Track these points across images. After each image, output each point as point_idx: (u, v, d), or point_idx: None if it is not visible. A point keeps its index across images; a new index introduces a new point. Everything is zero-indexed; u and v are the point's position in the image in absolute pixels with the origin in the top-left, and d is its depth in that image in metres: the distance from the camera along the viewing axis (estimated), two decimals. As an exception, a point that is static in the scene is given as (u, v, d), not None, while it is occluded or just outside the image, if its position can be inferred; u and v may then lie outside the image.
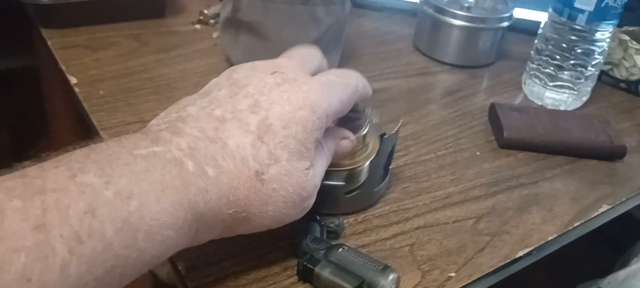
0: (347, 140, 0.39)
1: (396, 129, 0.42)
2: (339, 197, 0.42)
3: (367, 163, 0.43)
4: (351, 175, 0.42)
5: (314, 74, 0.37)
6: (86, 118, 0.53)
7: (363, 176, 0.43)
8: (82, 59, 0.61)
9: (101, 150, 0.27)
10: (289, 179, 0.32)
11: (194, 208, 0.28)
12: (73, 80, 0.57)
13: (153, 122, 0.32)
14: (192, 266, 0.38)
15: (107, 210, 0.24)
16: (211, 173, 0.29)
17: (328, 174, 0.41)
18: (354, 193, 0.43)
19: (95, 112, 0.53)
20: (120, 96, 0.55)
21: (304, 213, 0.35)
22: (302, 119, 0.32)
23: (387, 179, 0.46)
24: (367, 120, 0.44)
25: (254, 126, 0.31)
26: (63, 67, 0.59)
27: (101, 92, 0.56)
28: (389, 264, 0.39)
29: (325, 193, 0.42)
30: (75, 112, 0.54)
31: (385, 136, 0.42)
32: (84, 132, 0.53)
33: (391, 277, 0.36)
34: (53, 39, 0.64)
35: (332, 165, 0.41)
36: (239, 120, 0.31)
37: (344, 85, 0.36)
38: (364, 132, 0.43)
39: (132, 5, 0.71)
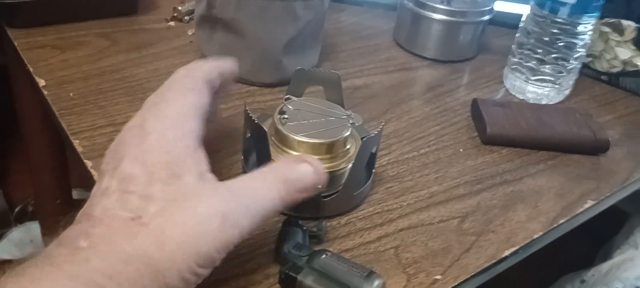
0: (306, 163, 0.34)
1: (377, 131, 0.41)
2: (317, 200, 0.41)
3: (349, 166, 0.42)
4: (331, 179, 0.41)
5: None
6: (55, 122, 0.51)
7: (343, 179, 0.42)
8: (50, 60, 0.59)
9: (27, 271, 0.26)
10: (175, 206, 0.29)
11: (81, 281, 0.26)
12: (41, 82, 0.55)
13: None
14: (168, 277, 0.36)
15: None
16: (84, 243, 0.28)
17: None
18: (333, 196, 0.41)
19: (65, 116, 0.50)
20: (91, 98, 0.53)
21: (232, 227, 0.30)
22: (154, 146, 0.31)
23: (370, 181, 0.45)
24: (349, 123, 0.43)
25: (114, 186, 0.30)
26: (30, 69, 0.57)
27: (71, 94, 0.53)
28: (374, 269, 0.38)
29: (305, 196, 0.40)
30: (46, 113, 0.52)
31: (365, 138, 0.40)
32: (55, 132, 0.50)
33: (376, 283, 0.35)
34: (19, 39, 0.61)
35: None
36: (101, 193, 0.30)
37: (183, 75, 0.37)
38: (346, 135, 0.42)
39: (103, 3, 0.69)
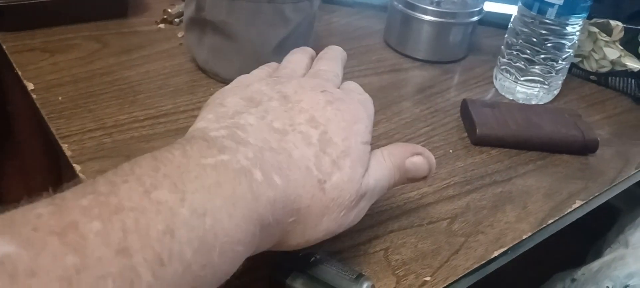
0: (419, 156, 0.37)
1: None
2: None
3: None
4: None
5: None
6: (45, 126, 0.51)
7: None
8: (38, 63, 0.58)
9: (168, 161, 0.26)
10: (349, 186, 0.32)
11: (262, 221, 0.27)
12: (30, 85, 0.55)
13: (203, 125, 0.31)
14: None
15: (185, 230, 0.23)
16: (279, 182, 0.29)
17: None
18: None
19: (54, 120, 0.50)
20: (80, 102, 0.53)
21: (355, 220, 0.34)
22: (357, 132, 0.33)
23: None
24: None
25: (315, 139, 0.32)
26: (19, 72, 0.57)
27: (60, 97, 0.53)
28: (363, 271, 0.38)
29: None
30: (37, 116, 0.52)
31: None
32: (48, 135, 0.50)
33: (365, 285, 0.35)
34: (7, 42, 0.61)
35: None
36: (300, 133, 0.32)
37: (369, 99, 0.39)
38: None
39: (92, 5, 0.69)
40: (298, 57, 0.43)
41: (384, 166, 0.36)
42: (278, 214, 0.28)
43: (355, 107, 0.35)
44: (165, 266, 0.22)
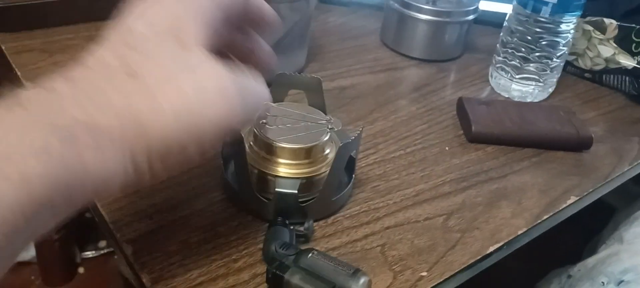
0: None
1: (355, 136, 0.41)
2: (292, 205, 0.41)
3: (327, 171, 0.42)
4: (309, 183, 0.42)
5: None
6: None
7: (321, 185, 0.42)
8: (38, 64, 0.59)
9: None
10: (178, 71, 0.27)
11: (50, 127, 0.24)
12: (29, 86, 0.55)
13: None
14: (158, 278, 0.36)
15: None
16: (63, 87, 0.26)
17: (283, 182, 0.41)
18: (310, 202, 0.42)
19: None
20: (79, 101, 0.53)
21: (231, 115, 0.29)
22: (167, 9, 0.29)
23: (350, 186, 0.45)
24: (328, 128, 0.43)
25: (114, 37, 0.28)
26: (18, 73, 0.57)
27: (59, 97, 0.54)
28: (360, 267, 0.39)
29: (280, 201, 0.41)
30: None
31: (342, 143, 0.40)
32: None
33: (362, 280, 0.35)
34: (7, 43, 0.61)
35: (288, 172, 0.41)
36: (100, 43, 0.29)
37: None
38: (324, 139, 0.42)
39: (91, 6, 0.69)
40: None
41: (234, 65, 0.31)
42: (81, 117, 0.25)
43: None
44: None
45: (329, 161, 0.43)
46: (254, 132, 0.42)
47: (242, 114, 0.29)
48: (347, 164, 0.43)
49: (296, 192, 0.40)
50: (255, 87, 0.32)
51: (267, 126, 0.42)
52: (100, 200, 0.41)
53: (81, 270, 1.26)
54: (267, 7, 0.36)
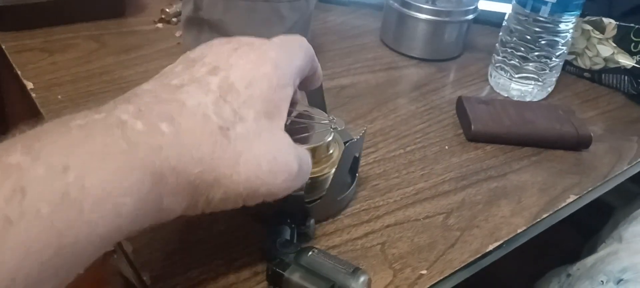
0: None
1: (359, 136, 0.41)
2: (300, 206, 0.41)
3: (332, 171, 0.42)
4: (313, 184, 0.42)
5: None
6: (44, 124, 0.51)
7: (326, 185, 0.42)
8: (38, 63, 0.59)
9: (34, 129, 0.24)
10: (259, 140, 0.30)
11: (149, 168, 0.25)
12: (29, 85, 0.55)
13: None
14: (158, 276, 0.37)
15: (39, 186, 0.22)
16: (166, 130, 0.26)
17: None
18: (316, 202, 0.42)
19: (53, 118, 0.50)
20: (80, 100, 0.54)
21: (288, 188, 0.32)
22: (265, 75, 0.31)
23: (354, 185, 0.45)
24: (331, 127, 0.43)
25: (214, 86, 0.29)
26: (18, 72, 0.57)
27: (59, 96, 0.54)
28: (360, 265, 0.39)
29: (286, 202, 0.41)
30: (37, 116, 0.52)
31: (348, 143, 0.40)
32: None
33: (362, 279, 0.35)
34: (7, 42, 0.62)
35: None
36: (197, 82, 0.29)
37: (299, 41, 0.36)
38: (328, 140, 0.42)
39: (91, 5, 0.69)
40: None
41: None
42: (172, 161, 0.26)
43: (266, 49, 0.32)
44: (14, 224, 0.21)
45: (333, 161, 0.43)
46: None
47: (298, 184, 0.33)
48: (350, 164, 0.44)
49: (303, 193, 0.40)
50: (307, 157, 0.34)
51: None
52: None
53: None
54: (320, 68, 0.40)
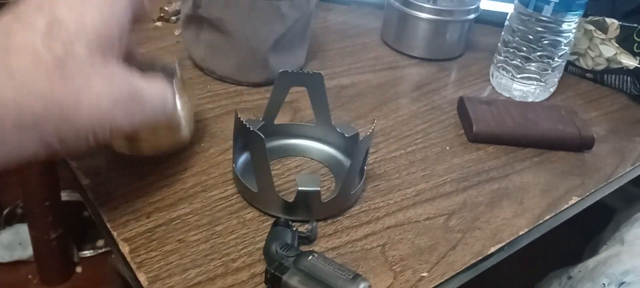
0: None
1: (370, 131, 0.41)
2: (314, 202, 0.41)
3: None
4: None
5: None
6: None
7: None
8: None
9: None
10: (95, 76, 0.30)
11: None
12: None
13: None
14: (155, 277, 0.36)
15: None
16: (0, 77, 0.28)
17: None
18: (329, 198, 0.42)
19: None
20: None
21: (133, 122, 0.33)
22: (94, 7, 0.31)
23: (361, 182, 0.45)
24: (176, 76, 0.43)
25: (41, 23, 0.30)
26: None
27: (56, 94, 0.53)
28: (360, 267, 0.38)
29: (299, 200, 0.41)
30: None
31: (360, 139, 0.40)
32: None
33: (361, 285, 0.35)
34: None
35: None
36: (22, 22, 0.30)
37: None
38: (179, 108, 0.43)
39: None
40: None
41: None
42: (12, 96, 0.28)
43: None
44: None
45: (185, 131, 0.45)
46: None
47: (139, 117, 0.34)
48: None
49: (319, 189, 0.40)
50: (150, 91, 0.35)
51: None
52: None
53: (79, 269, 1.25)
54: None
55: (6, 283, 1.22)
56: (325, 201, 0.41)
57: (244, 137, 0.41)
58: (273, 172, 0.46)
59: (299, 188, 0.40)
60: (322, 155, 0.50)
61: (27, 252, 1.19)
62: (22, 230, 1.21)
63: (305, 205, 0.41)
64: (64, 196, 1.13)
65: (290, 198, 0.41)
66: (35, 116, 0.29)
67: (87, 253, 1.28)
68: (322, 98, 0.47)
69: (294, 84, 0.47)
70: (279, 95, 0.47)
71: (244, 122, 0.39)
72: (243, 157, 0.47)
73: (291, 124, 0.51)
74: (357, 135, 0.48)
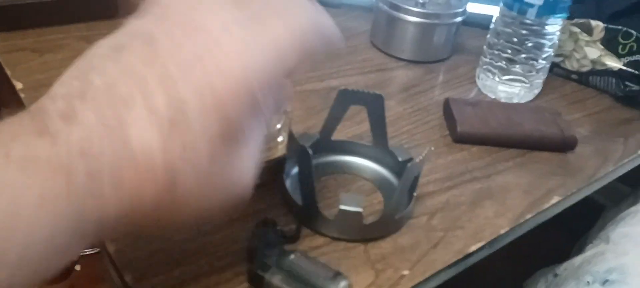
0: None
1: (422, 157, 0.41)
2: (357, 224, 0.41)
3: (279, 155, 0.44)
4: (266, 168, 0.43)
5: None
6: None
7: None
8: (28, 63, 0.59)
9: None
10: (211, 177, 0.25)
11: (82, 223, 0.23)
12: (18, 85, 0.55)
13: (54, 87, 0.24)
14: (141, 276, 0.37)
15: None
16: (108, 192, 0.23)
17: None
18: (374, 220, 0.42)
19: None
20: (69, 101, 0.54)
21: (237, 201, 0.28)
22: (230, 91, 0.24)
23: (410, 205, 0.45)
24: (281, 111, 0.44)
25: (162, 105, 0.23)
26: (8, 72, 0.57)
27: (48, 97, 0.54)
28: (343, 265, 0.39)
29: (340, 218, 0.41)
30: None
31: (410, 164, 0.41)
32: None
33: (342, 284, 0.36)
34: (-2, 42, 0.62)
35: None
36: (142, 95, 0.23)
37: (302, 28, 0.27)
38: (278, 127, 0.44)
39: (82, 6, 0.69)
40: None
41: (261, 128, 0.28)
42: (109, 217, 0.23)
43: (250, 52, 0.25)
44: None
45: (281, 147, 0.45)
46: None
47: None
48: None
49: (361, 210, 0.40)
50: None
51: None
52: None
53: (77, 267, 1.26)
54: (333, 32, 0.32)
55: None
56: (367, 224, 0.42)
57: (295, 151, 0.43)
58: (322, 187, 0.47)
59: (341, 207, 0.40)
60: (375, 176, 0.50)
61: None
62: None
63: (346, 224, 0.41)
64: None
65: (332, 216, 0.41)
66: (126, 226, 0.25)
67: (86, 251, 1.29)
68: (381, 118, 0.48)
69: (353, 102, 0.47)
70: (337, 112, 0.48)
71: (294, 136, 0.41)
72: (294, 171, 0.48)
73: (349, 141, 0.51)
74: (410, 159, 0.48)
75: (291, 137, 0.43)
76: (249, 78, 0.24)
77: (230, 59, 0.24)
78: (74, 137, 0.22)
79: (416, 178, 0.45)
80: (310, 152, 0.39)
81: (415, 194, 0.45)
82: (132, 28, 0.26)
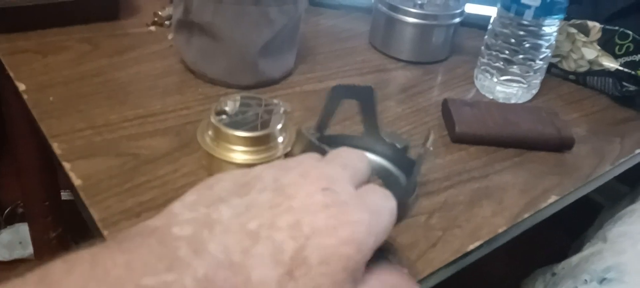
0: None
1: (429, 143, 0.43)
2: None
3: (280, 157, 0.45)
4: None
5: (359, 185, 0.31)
6: (35, 126, 0.52)
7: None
8: (31, 64, 0.60)
9: (104, 274, 0.23)
10: None
11: None
12: (22, 86, 0.56)
13: (177, 210, 0.27)
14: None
15: None
16: None
17: None
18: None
19: (45, 119, 0.52)
20: (71, 102, 0.55)
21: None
22: (344, 256, 0.26)
23: (416, 192, 0.47)
24: (281, 111, 0.45)
25: (287, 256, 0.25)
26: (11, 74, 0.58)
27: (51, 98, 0.55)
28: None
29: None
30: (29, 117, 0.53)
31: (421, 150, 0.42)
32: (40, 136, 0.52)
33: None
34: (1, 44, 0.63)
35: (246, 159, 0.43)
36: (273, 243, 0.25)
37: (389, 211, 0.30)
38: (279, 127, 0.45)
39: (84, 8, 0.70)
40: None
41: None
42: None
43: (357, 221, 0.27)
44: None
45: (284, 146, 0.46)
46: (213, 125, 0.44)
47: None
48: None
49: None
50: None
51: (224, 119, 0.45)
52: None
53: None
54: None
55: (6, 282, 1.23)
56: None
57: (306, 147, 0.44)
58: None
59: None
60: (373, 166, 0.50)
61: (27, 251, 1.21)
62: (22, 230, 1.23)
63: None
64: (64, 196, 1.15)
65: None
66: None
67: (86, 252, 1.29)
68: (372, 110, 0.49)
69: (346, 96, 0.49)
70: (331, 107, 0.49)
71: (304, 132, 0.43)
72: None
73: (341, 135, 0.53)
74: (408, 146, 0.49)
75: (300, 134, 0.44)
76: (360, 252, 0.26)
77: (357, 232, 0.26)
78: (199, 270, 0.23)
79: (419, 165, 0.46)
80: (327, 148, 0.39)
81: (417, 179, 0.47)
82: (255, 171, 0.29)
